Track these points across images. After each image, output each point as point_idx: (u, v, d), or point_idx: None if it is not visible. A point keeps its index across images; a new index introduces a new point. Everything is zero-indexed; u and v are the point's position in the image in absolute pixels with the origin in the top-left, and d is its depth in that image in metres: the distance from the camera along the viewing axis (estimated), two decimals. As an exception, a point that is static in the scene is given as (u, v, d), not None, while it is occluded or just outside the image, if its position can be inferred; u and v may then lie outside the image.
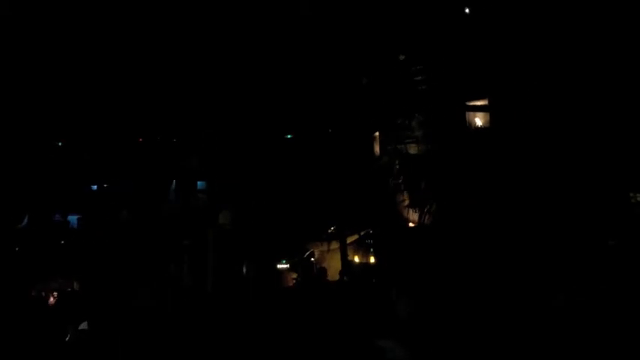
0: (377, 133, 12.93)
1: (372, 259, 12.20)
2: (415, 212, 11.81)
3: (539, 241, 8.44)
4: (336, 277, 11.53)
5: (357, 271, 11.61)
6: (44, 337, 7.91)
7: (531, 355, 5.29)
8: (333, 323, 6.60)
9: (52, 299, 10.31)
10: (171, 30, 11.61)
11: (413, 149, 12.06)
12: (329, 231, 12.73)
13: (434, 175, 11.39)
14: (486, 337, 5.56)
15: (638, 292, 6.14)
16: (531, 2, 10.30)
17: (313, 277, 11.48)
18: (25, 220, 12.75)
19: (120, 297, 9.53)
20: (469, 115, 11.91)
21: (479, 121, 11.89)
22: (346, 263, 11.92)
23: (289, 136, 13.30)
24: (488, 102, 11.56)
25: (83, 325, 8.59)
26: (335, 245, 12.38)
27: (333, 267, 11.81)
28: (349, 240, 12.39)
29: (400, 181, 11.97)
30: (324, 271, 11.45)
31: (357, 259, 12.43)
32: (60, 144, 13.68)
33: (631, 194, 9.10)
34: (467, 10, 11.50)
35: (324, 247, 12.55)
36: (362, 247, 12.51)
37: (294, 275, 11.87)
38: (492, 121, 11.52)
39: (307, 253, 12.47)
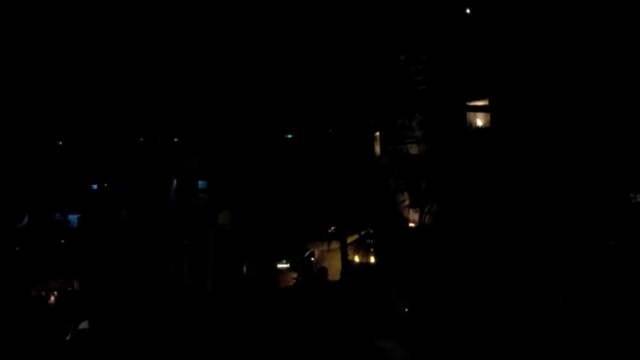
0: (377, 134, 12.95)
1: (372, 259, 12.25)
2: (415, 212, 11.83)
3: (540, 241, 8.46)
4: (337, 276, 11.59)
5: (357, 270, 11.67)
6: (45, 336, 7.96)
7: (531, 355, 5.32)
8: (333, 323, 6.64)
9: (52, 298, 10.36)
10: (172, 30, 11.62)
11: (413, 149, 12.07)
12: (329, 231, 12.77)
13: (434, 175, 11.40)
14: (486, 337, 5.61)
15: (638, 292, 6.17)
16: (532, 2, 10.31)
17: (313, 277, 11.54)
18: (26, 220, 12.78)
19: (120, 296, 9.58)
20: (469, 115, 11.93)
21: (479, 121, 11.91)
22: (346, 263, 11.97)
23: (290, 136, 13.33)
24: (489, 102, 11.56)
25: (84, 325, 8.64)
26: (335, 245, 12.42)
27: (334, 267, 11.86)
28: (349, 240, 12.43)
29: (400, 181, 11.99)
30: (324, 271, 11.50)
31: (357, 258, 12.48)
32: (60, 143, 13.69)
33: (631, 195, 9.12)
34: (467, 11, 11.51)
35: (325, 247, 12.60)
36: (362, 247, 12.55)
37: (295, 275, 11.92)
38: (493, 121, 11.53)
39: (307, 252, 12.52)
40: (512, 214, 9.56)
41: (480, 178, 10.56)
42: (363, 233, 12.48)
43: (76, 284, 11.13)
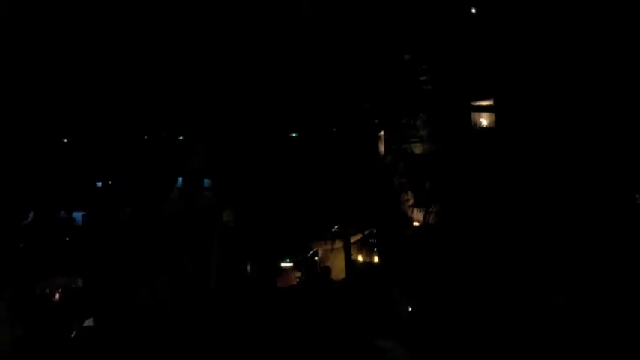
0: (382, 133, 13.03)
1: (376, 259, 12.33)
2: (420, 212, 11.90)
3: (541, 241, 8.53)
4: (340, 275, 11.67)
5: (360, 270, 11.76)
6: (50, 332, 8.08)
7: (531, 355, 5.39)
8: (334, 322, 6.73)
9: (57, 296, 10.47)
10: (176, 29, 11.70)
11: (418, 149, 12.14)
12: (333, 230, 12.85)
13: (439, 174, 11.47)
14: (487, 337, 5.70)
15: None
16: (538, 2, 10.34)
17: (317, 276, 11.63)
18: (31, 217, 12.91)
19: (124, 294, 9.68)
20: (474, 115, 11.99)
21: (484, 121, 11.97)
22: (350, 262, 12.06)
23: (294, 135, 13.41)
24: (494, 102, 11.61)
25: (88, 322, 8.77)
26: (339, 244, 12.50)
27: (337, 266, 11.95)
28: (353, 239, 12.50)
29: (405, 180, 12.06)
30: (328, 270, 11.59)
31: (360, 258, 12.57)
32: (66, 141, 13.82)
33: (637, 195, 9.16)
34: (473, 10, 11.55)
35: (328, 246, 12.68)
36: (366, 247, 12.63)
37: (298, 274, 12.01)
38: (498, 121, 11.58)
39: (311, 251, 12.62)
40: (515, 214, 9.63)
41: (485, 177, 10.62)
42: (366, 232, 12.55)
43: (80, 281, 11.21)
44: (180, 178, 13.61)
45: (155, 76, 12.30)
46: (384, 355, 5.05)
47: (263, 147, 12.87)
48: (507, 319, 5.95)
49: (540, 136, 10.10)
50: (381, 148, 13.10)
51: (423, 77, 11.88)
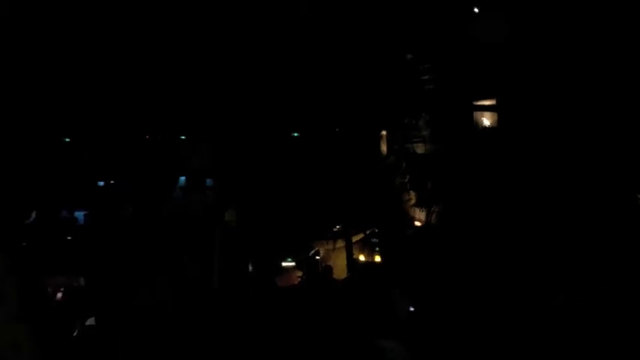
0: (384, 132, 13.08)
1: (378, 258, 12.38)
2: (422, 211, 11.95)
3: (543, 241, 8.56)
4: (342, 275, 11.71)
5: (362, 269, 11.81)
6: (53, 331, 8.12)
7: (532, 356, 5.43)
8: (335, 322, 6.78)
9: (59, 295, 10.51)
10: (176, 30, 11.74)
11: (420, 149, 12.19)
12: (334, 229, 12.91)
13: (441, 174, 11.51)
14: (487, 337, 5.74)
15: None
16: (540, 1, 10.36)
17: (319, 276, 11.66)
18: (33, 216, 12.95)
19: (126, 293, 9.72)
20: (476, 114, 12.02)
21: (486, 120, 12.00)
22: (351, 262, 12.11)
23: (296, 135, 13.46)
24: (496, 102, 11.64)
25: (90, 321, 8.80)
26: (340, 244, 12.56)
27: (339, 265, 11.99)
28: (355, 239, 12.56)
29: (406, 180, 12.11)
30: (329, 270, 11.62)
31: (362, 257, 12.62)
32: (67, 140, 13.87)
33: (638, 195, 9.18)
34: (475, 10, 11.58)
35: (330, 246, 12.74)
36: (367, 246, 12.69)
37: (300, 273, 12.05)
38: (500, 121, 11.62)
39: (312, 251, 12.67)
40: (517, 214, 9.67)
41: (487, 177, 10.66)
42: (368, 232, 12.61)
43: (82, 280, 11.23)
44: (183, 178, 13.67)
45: (157, 76, 12.35)
46: (384, 355, 5.09)
47: (265, 146, 12.92)
48: (508, 319, 6.00)
49: (542, 136, 10.12)
50: (383, 148, 13.15)
51: (426, 77, 11.92)
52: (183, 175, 13.70)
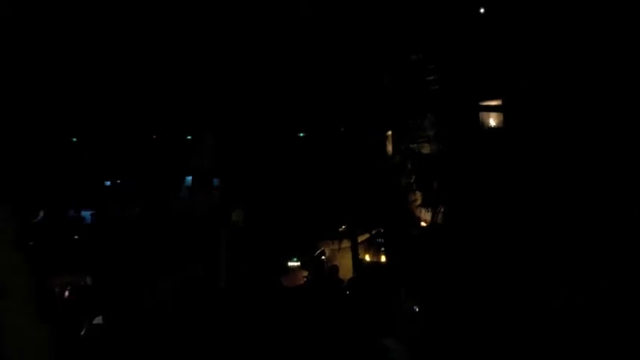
0: (390, 133, 13.17)
1: (383, 259, 12.49)
2: (428, 212, 12.03)
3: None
4: (347, 275, 11.82)
5: (367, 270, 11.92)
6: (61, 330, 8.25)
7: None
8: (340, 322, 6.90)
9: (66, 294, 10.66)
10: (181, 30, 11.85)
11: (425, 149, 12.27)
12: (340, 229, 13.03)
13: (446, 174, 11.58)
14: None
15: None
16: (547, 1, 10.40)
17: (324, 276, 11.78)
18: (41, 215, 13.11)
19: (133, 292, 9.85)
20: (482, 115, 12.10)
21: (492, 121, 12.08)
22: (357, 262, 12.22)
23: (302, 135, 13.57)
24: (502, 102, 11.70)
25: (98, 320, 8.95)
26: (346, 244, 12.69)
27: (344, 265, 12.12)
28: (360, 239, 12.68)
29: (412, 180, 12.18)
30: (335, 270, 11.74)
31: (367, 257, 12.74)
32: (74, 140, 14.02)
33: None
34: (481, 10, 11.64)
35: (335, 246, 12.86)
36: (373, 246, 12.80)
37: (305, 273, 12.17)
38: (506, 121, 11.68)
39: (318, 251, 12.78)
40: (522, 215, 9.74)
41: (493, 178, 10.73)
42: (374, 232, 12.72)
43: (89, 279, 11.38)
44: (189, 178, 13.80)
45: (163, 77, 12.46)
46: (387, 354, 5.21)
47: (271, 147, 13.04)
48: (510, 319, 6.11)
49: (548, 136, 10.17)
50: (389, 148, 13.25)
51: (431, 77, 11.99)
52: (189, 175, 13.83)
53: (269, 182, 13.02)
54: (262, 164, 13.03)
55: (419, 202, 12.20)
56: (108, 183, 14.74)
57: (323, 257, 12.81)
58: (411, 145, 12.27)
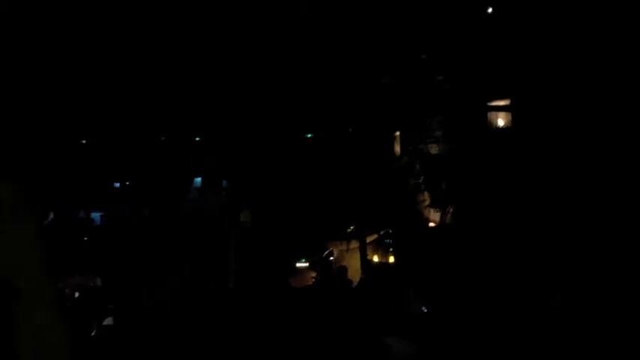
0: (398, 133, 13.25)
1: (392, 259, 12.57)
2: (436, 212, 12.10)
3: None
4: (356, 276, 11.92)
5: (376, 270, 12.01)
6: (72, 331, 8.40)
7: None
8: (349, 322, 7.01)
9: (76, 295, 10.80)
10: (190, 31, 11.96)
11: (434, 149, 12.34)
12: (348, 230, 13.12)
13: (455, 175, 11.64)
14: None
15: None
16: (555, 1, 10.43)
17: (333, 276, 11.88)
18: (51, 217, 13.26)
19: (142, 293, 9.99)
20: (491, 115, 12.15)
21: (501, 121, 12.13)
22: (366, 263, 12.31)
23: (309, 135, 13.66)
24: (511, 102, 11.75)
25: (108, 321, 9.11)
26: (354, 244, 12.79)
27: (353, 266, 12.22)
28: (369, 239, 12.77)
29: (421, 180, 12.25)
30: (344, 270, 11.84)
31: (376, 258, 12.83)
32: (84, 141, 14.17)
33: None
34: (489, 10, 11.69)
35: (344, 247, 12.96)
36: (381, 247, 12.89)
37: (314, 274, 12.28)
38: (514, 121, 11.72)
39: (326, 252, 12.89)
40: (530, 215, 9.80)
41: (501, 178, 10.78)
42: (382, 233, 12.80)
43: (98, 281, 11.51)
44: (198, 179, 13.93)
45: (172, 78, 12.58)
46: (389, 351, 5.32)
47: (279, 147, 13.14)
48: (512, 319, 6.20)
49: (557, 136, 10.21)
50: (397, 149, 13.33)
51: (440, 77, 12.06)
52: (198, 177, 13.97)
53: (277, 183, 13.12)
54: (270, 165, 13.14)
55: (427, 202, 12.27)
56: (117, 184, 14.89)
57: (331, 258, 12.91)
58: (419, 146, 12.34)
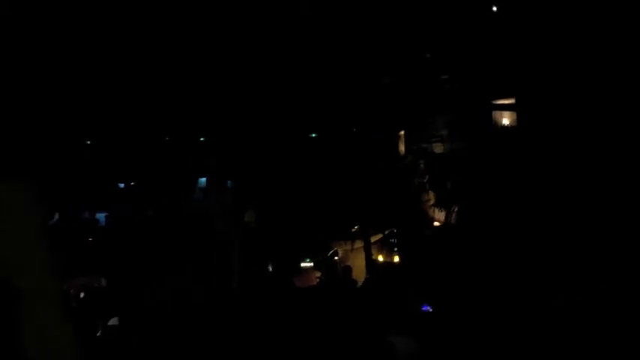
0: (402, 132, 13.30)
1: (397, 259, 12.61)
2: (441, 211, 12.14)
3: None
4: (360, 275, 11.97)
5: (380, 270, 12.05)
6: (77, 331, 8.46)
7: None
8: (353, 322, 7.05)
9: (82, 295, 10.86)
10: (194, 32, 12.01)
11: (438, 148, 12.40)
12: (353, 230, 13.16)
13: (460, 174, 11.68)
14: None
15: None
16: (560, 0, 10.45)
17: (337, 276, 11.93)
18: (56, 217, 13.34)
19: (146, 294, 10.04)
20: (495, 113, 12.21)
21: (505, 120, 12.17)
22: (370, 262, 12.35)
23: (314, 135, 13.71)
24: (515, 101, 11.78)
25: (113, 321, 9.15)
26: (359, 244, 12.83)
27: (357, 266, 12.26)
28: (373, 239, 12.82)
29: (425, 180, 12.30)
30: (348, 270, 11.89)
31: (381, 258, 12.87)
32: (89, 142, 14.26)
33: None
34: (494, 9, 11.72)
35: (348, 246, 13.01)
36: (386, 247, 12.94)
37: (318, 274, 12.32)
38: (519, 120, 11.76)
39: (331, 252, 12.94)
40: (535, 214, 9.82)
41: (506, 177, 10.81)
42: (387, 232, 12.84)
43: (103, 281, 11.56)
44: (203, 179, 13.98)
45: (176, 79, 12.64)
46: (393, 351, 5.35)
47: (283, 148, 13.19)
48: (515, 319, 6.24)
49: (561, 135, 10.23)
50: (402, 148, 13.39)
51: (444, 76, 12.09)
52: (203, 177, 14.02)
53: (281, 183, 13.17)
54: (274, 165, 13.19)
55: (432, 201, 12.33)
56: (122, 185, 14.96)
57: (336, 258, 12.97)
58: (424, 145, 12.40)
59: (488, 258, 9.32)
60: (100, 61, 12.58)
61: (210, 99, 12.89)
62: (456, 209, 11.75)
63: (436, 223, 12.33)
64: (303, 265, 12.56)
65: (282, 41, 11.97)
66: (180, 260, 10.96)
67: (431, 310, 8.56)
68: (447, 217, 11.99)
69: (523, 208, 10.12)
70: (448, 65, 12.06)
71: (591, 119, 9.93)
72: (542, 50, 10.55)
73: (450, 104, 12.14)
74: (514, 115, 11.97)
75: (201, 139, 14.18)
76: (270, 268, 12.02)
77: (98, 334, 9.04)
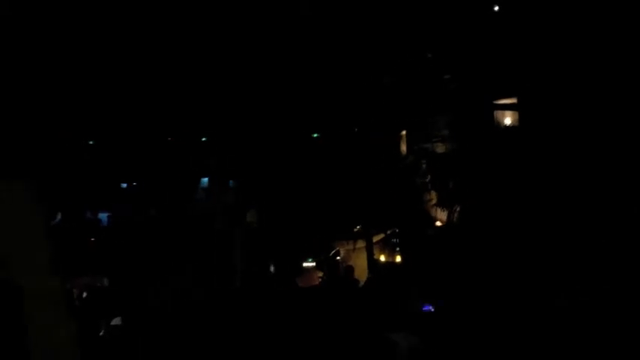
0: (404, 132, 13.29)
1: (399, 259, 12.61)
2: (443, 211, 12.12)
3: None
4: (362, 275, 11.98)
5: (382, 270, 12.06)
6: (80, 331, 8.49)
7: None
8: (355, 322, 7.07)
9: (84, 294, 10.90)
10: (196, 32, 12.03)
11: (440, 148, 12.38)
12: (355, 230, 13.17)
13: (462, 174, 11.66)
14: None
15: None
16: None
17: (339, 276, 11.94)
18: (59, 217, 13.37)
19: (148, 293, 10.06)
20: (497, 113, 12.18)
21: (508, 119, 12.15)
22: (372, 262, 12.36)
23: (316, 135, 13.72)
24: (518, 100, 11.77)
25: (116, 321, 9.19)
26: (361, 244, 12.84)
27: (359, 266, 12.28)
28: (375, 239, 12.82)
29: (427, 179, 12.29)
30: (350, 270, 11.90)
31: (383, 258, 12.88)
32: (91, 142, 14.28)
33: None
34: (496, 8, 11.71)
35: (350, 246, 13.02)
36: (388, 247, 12.94)
37: (320, 274, 12.33)
38: (521, 119, 11.74)
39: (333, 251, 12.94)
40: (537, 214, 9.81)
41: (508, 177, 10.80)
42: (389, 232, 12.84)
43: (105, 281, 11.59)
44: (205, 179, 14.01)
45: (178, 79, 12.66)
46: (395, 348, 5.38)
47: (285, 148, 13.20)
48: (519, 318, 6.24)
49: (564, 135, 10.22)
50: (403, 148, 13.38)
51: (446, 76, 12.08)
52: (205, 177, 14.04)
53: (283, 183, 13.18)
54: (276, 165, 13.20)
55: (434, 201, 12.31)
56: (124, 185, 14.99)
57: (338, 257, 12.98)
58: (425, 145, 12.38)
59: (490, 258, 9.32)
60: (101, 61, 12.60)
61: (211, 99, 12.91)
62: (458, 209, 11.73)
63: (438, 223, 12.32)
64: (305, 264, 12.57)
65: (282, 41, 11.98)
66: (183, 260, 10.99)
67: (432, 310, 8.57)
68: (449, 216, 11.96)
69: (525, 208, 10.12)
70: (450, 65, 12.04)
71: (594, 119, 9.92)
72: (545, 50, 10.54)
73: (451, 104, 12.11)
74: (516, 114, 11.95)
75: (203, 139, 14.19)
76: (272, 268, 12.04)
77: (101, 333, 9.08)
